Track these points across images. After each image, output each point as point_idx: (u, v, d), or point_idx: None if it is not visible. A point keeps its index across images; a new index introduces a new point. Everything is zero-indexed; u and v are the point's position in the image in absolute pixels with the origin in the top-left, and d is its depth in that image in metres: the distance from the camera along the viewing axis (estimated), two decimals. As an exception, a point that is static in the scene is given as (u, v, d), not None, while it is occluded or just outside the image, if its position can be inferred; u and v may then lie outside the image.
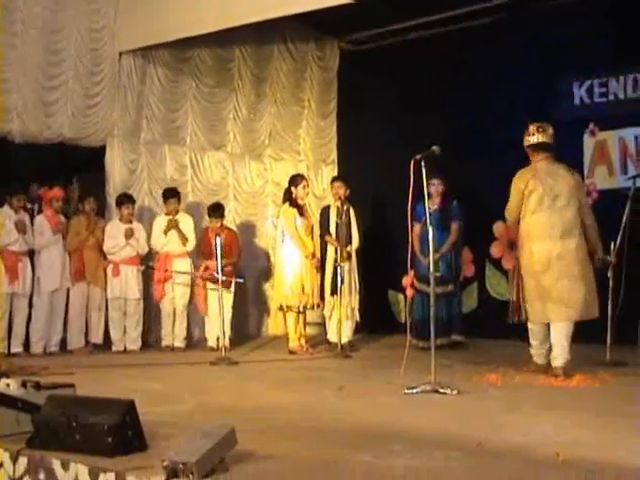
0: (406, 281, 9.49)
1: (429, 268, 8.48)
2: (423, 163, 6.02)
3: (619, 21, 8.57)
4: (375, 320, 9.90)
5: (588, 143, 9.07)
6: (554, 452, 3.91)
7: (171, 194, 9.32)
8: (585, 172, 9.04)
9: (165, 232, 9.13)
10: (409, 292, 9.73)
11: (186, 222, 9.31)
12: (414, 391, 5.81)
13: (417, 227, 8.75)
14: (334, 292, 8.48)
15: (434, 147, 6.16)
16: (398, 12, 9.62)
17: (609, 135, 8.92)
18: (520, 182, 6.73)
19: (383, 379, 6.57)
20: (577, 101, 9.19)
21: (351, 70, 10.78)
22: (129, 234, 8.99)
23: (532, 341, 6.86)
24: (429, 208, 8.63)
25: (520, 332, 8.89)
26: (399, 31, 10.22)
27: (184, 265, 9.25)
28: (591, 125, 9.05)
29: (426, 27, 10.07)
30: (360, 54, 10.88)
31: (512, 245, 9.43)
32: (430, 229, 6.16)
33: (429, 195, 8.64)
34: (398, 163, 6.62)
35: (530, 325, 6.81)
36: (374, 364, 7.76)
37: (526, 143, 6.74)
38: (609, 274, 7.19)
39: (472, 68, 9.57)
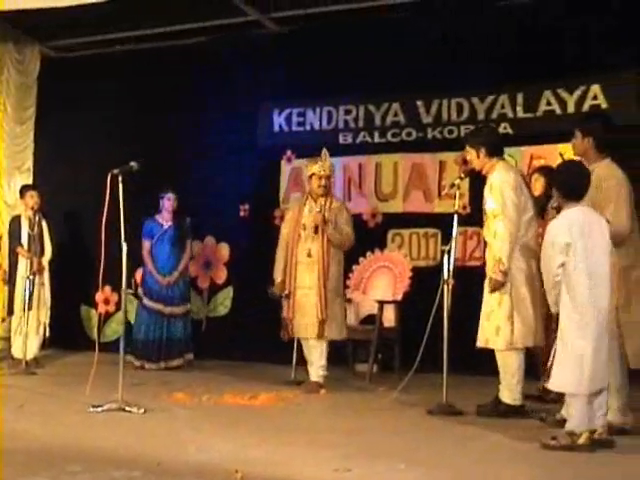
0: (99, 297, 9.32)
1: (167, 285, 8.49)
2: (121, 178, 5.95)
3: (320, 55, 8.98)
4: (66, 336, 9.58)
5: (285, 169, 9.41)
6: (234, 469, 3.99)
7: None
8: (281, 197, 9.37)
9: None
10: (102, 308, 9.58)
11: None
12: (99, 410, 5.70)
13: (147, 244, 8.64)
14: (24, 306, 8.11)
15: (132, 163, 6.12)
16: (106, 23, 9.44)
17: (304, 163, 9.28)
18: None
19: (69, 397, 6.37)
20: (276, 128, 9.51)
21: (53, 77, 10.42)
22: None
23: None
24: (161, 225, 8.66)
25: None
26: (105, 42, 10.03)
27: None
28: (288, 152, 9.39)
29: (134, 41, 9.96)
30: (64, 61, 10.54)
31: (208, 264, 9.59)
32: (124, 246, 6.03)
33: (161, 210, 8.64)
34: (96, 176, 6.49)
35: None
36: (61, 381, 7.50)
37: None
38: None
39: (177, 87, 9.58)
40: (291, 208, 7.63)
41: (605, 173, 5.40)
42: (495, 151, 6.15)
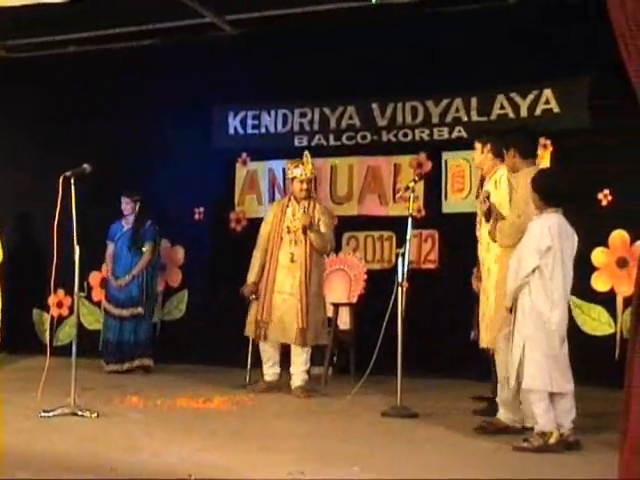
0: (52, 300, 9.19)
1: (119, 289, 8.44)
2: (73, 180, 5.90)
3: (275, 58, 8.97)
4: (18, 340, 9.45)
5: (240, 172, 9.38)
6: (187, 474, 3.98)
7: None
8: (236, 200, 9.34)
9: None
10: (54, 311, 9.47)
11: None
12: (51, 414, 5.64)
13: (110, 246, 8.61)
14: (-27, 310, 8.02)
15: (85, 165, 6.07)
16: (59, 24, 9.32)
17: (259, 165, 9.27)
18: None
19: (20, 402, 6.26)
20: (231, 131, 9.47)
21: (4, 77, 10.28)
22: None
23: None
24: (123, 227, 8.59)
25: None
26: (58, 43, 9.90)
27: None
28: (243, 155, 9.35)
29: (87, 42, 9.85)
30: (15, 62, 10.41)
31: (163, 267, 9.52)
32: (77, 248, 5.97)
33: (124, 213, 8.59)
34: (47, 178, 6.43)
35: None
36: (12, 386, 7.35)
37: None
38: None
39: (131, 89, 9.49)
40: (272, 209, 7.51)
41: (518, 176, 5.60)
42: (500, 154, 6.01)
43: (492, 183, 6.05)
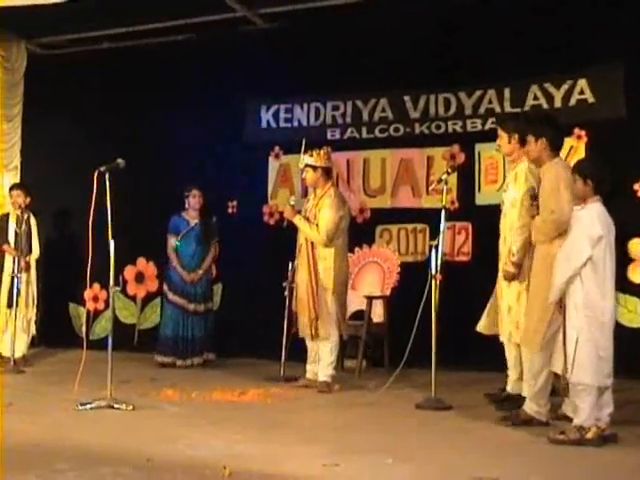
0: (87, 294, 9.27)
1: (190, 283, 8.47)
2: (108, 175, 5.96)
3: (307, 51, 8.97)
4: (54, 334, 9.56)
5: (273, 165, 9.39)
6: (221, 466, 4.00)
7: None
8: (269, 193, 9.36)
9: None
10: (90, 306, 9.55)
11: None
12: (88, 407, 5.70)
13: (173, 240, 8.59)
14: (10, 304, 8.09)
15: (119, 160, 6.12)
16: (92, 20, 9.40)
17: (292, 159, 9.24)
18: None
19: (57, 395, 6.37)
20: (264, 124, 9.49)
21: (40, 74, 10.39)
22: None
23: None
24: (188, 222, 8.61)
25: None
26: (92, 39, 9.99)
27: None
28: (276, 148, 9.36)
29: (121, 38, 9.93)
30: (50, 59, 10.50)
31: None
32: (112, 243, 6.02)
33: (187, 208, 8.59)
34: (85, 174, 6.47)
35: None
36: (49, 379, 7.48)
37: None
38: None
39: (164, 84, 9.55)
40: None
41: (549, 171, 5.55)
42: (524, 143, 5.87)
43: (513, 175, 6.05)
